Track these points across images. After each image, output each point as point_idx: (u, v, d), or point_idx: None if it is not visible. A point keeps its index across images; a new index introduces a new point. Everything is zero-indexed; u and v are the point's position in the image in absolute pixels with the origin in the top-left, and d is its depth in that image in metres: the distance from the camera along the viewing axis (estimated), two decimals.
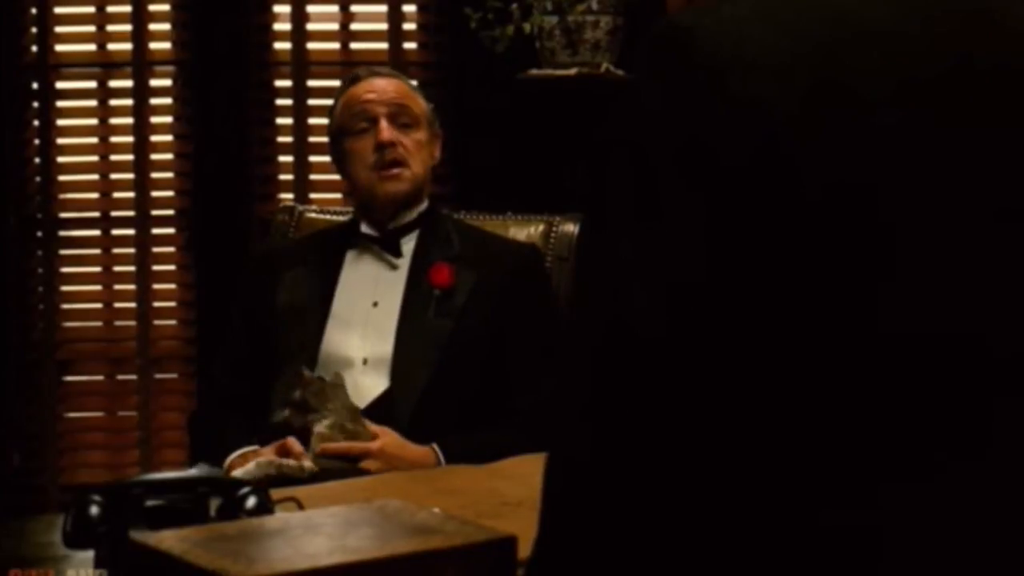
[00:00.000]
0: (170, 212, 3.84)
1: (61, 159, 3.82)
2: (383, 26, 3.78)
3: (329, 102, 3.69)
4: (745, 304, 0.90)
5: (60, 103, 3.81)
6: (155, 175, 3.83)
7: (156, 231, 3.83)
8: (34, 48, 3.78)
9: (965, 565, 0.93)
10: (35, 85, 3.79)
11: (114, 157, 3.83)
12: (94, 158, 3.84)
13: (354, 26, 3.80)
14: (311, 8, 3.78)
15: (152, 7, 3.77)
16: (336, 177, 3.79)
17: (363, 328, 2.52)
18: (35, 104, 3.79)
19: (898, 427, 0.92)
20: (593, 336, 0.93)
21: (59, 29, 3.80)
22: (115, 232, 3.84)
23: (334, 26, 3.80)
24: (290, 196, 3.74)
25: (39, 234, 3.81)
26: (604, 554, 0.92)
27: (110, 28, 3.81)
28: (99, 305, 3.87)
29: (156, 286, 3.84)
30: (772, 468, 0.92)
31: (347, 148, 2.59)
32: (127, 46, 3.79)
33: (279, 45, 3.79)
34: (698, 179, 0.90)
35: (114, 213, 3.84)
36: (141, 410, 3.83)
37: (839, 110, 0.92)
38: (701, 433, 0.91)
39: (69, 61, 3.82)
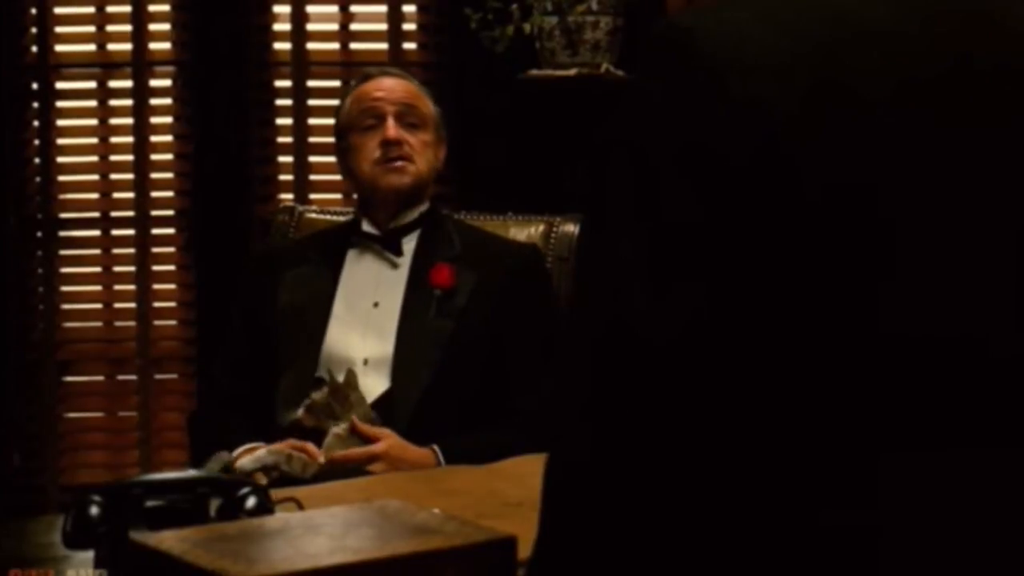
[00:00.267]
0: (170, 212, 3.84)
1: (61, 159, 3.82)
2: (383, 26, 3.78)
3: (329, 102, 3.73)
4: (745, 304, 0.90)
5: (60, 103, 3.81)
6: (155, 175, 3.83)
7: (156, 231, 3.83)
8: (34, 48, 3.78)
9: (964, 563, 0.93)
10: (35, 85, 3.78)
11: (114, 157, 3.83)
12: (94, 158, 3.84)
13: (354, 26, 3.80)
14: (311, 8, 3.78)
15: (152, 7, 3.77)
16: (336, 177, 3.81)
17: (364, 328, 2.52)
18: (35, 104, 3.79)
19: (897, 426, 0.92)
20: (593, 336, 0.94)
21: (59, 29, 3.80)
22: (115, 232, 3.84)
23: (334, 26, 3.80)
24: (290, 196, 3.74)
25: (39, 234, 3.81)
26: (604, 554, 0.92)
27: (110, 28, 3.81)
28: (99, 305, 3.87)
29: (156, 286, 3.84)
30: (772, 467, 0.92)
31: (352, 143, 2.60)
32: (127, 46, 3.79)
33: (279, 45, 3.79)
34: (698, 179, 0.91)
35: (114, 213, 3.84)
36: (141, 410, 3.83)
37: (839, 110, 0.92)
38: (701, 433, 0.91)
39: (69, 61, 3.82)
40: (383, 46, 3.78)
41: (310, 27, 3.79)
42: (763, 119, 0.90)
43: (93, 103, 3.83)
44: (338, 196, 3.80)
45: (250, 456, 2.24)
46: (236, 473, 2.15)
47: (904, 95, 0.94)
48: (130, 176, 3.81)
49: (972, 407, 0.94)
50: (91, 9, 3.79)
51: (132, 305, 3.83)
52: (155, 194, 3.83)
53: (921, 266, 0.92)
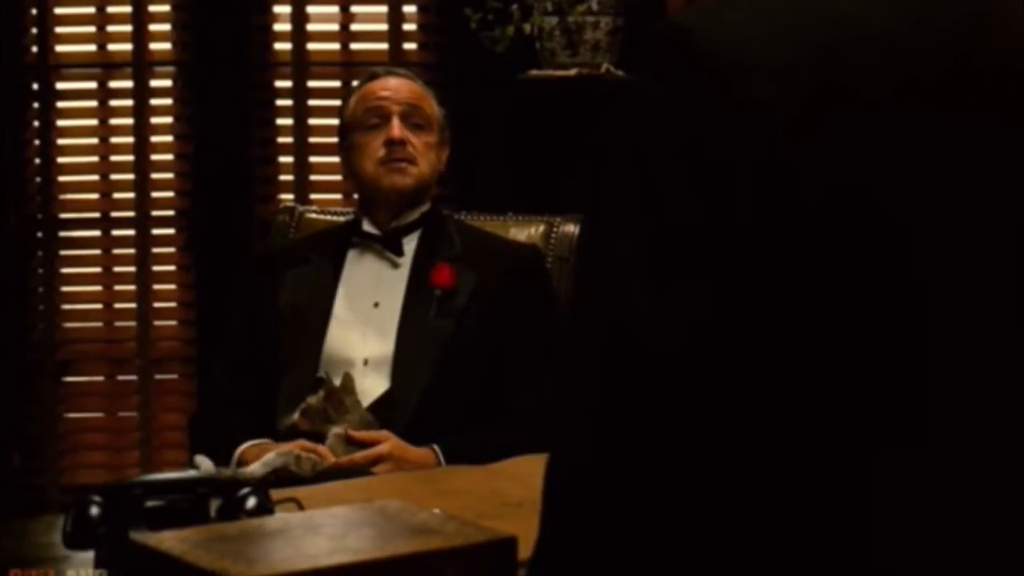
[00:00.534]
0: (170, 213, 3.84)
1: (61, 159, 3.82)
2: (383, 27, 3.78)
3: (330, 102, 3.73)
4: (745, 304, 0.90)
5: (60, 103, 3.81)
6: (155, 176, 3.83)
7: (156, 231, 3.83)
8: (34, 48, 3.78)
9: (963, 562, 0.93)
10: (35, 85, 3.78)
11: (114, 157, 3.83)
12: (94, 158, 3.84)
13: (354, 27, 3.80)
14: (311, 9, 3.78)
15: (152, 8, 3.77)
16: (337, 178, 3.81)
17: (364, 328, 2.52)
18: (35, 104, 3.79)
19: (896, 427, 0.92)
20: (593, 336, 0.94)
21: (59, 29, 3.80)
22: (115, 233, 3.84)
23: (334, 27, 3.80)
24: (290, 197, 3.74)
25: (39, 234, 3.81)
26: (605, 555, 0.92)
27: (110, 28, 3.81)
28: (99, 306, 3.87)
29: (156, 286, 3.84)
30: (772, 467, 0.92)
31: (356, 141, 2.60)
32: (127, 46, 3.79)
33: (279, 46, 3.79)
34: (698, 179, 0.91)
35: (114, 213, 3.84)
36: (141, 411, 3.83)
37: (839, 111, 0.92)
38: (702, 433, 0.91)
39: (69, 61, 3.82)
40: (383, 46, 3.78)
41: (310, 27, 3.79)
42: (763, 119, 0.90)
43: (93, 103, 3.83)
44: (338, 196, 3.80)
45: (259, 461, 2.24)
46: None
47: (904, 95, 0.94)
48: (130, 176, 3.81)
49: (971, 407, 0.94)
50: (91, 9, 3.79)
51: (132, 305, 3.83)
52: (155, 194, 3.83)
53: (921, 266, 0.92)
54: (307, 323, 2.53)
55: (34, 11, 3.76)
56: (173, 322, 3.86)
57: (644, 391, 0.91)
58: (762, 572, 0.92)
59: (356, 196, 2.83)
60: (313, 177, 3.80)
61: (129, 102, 3.79)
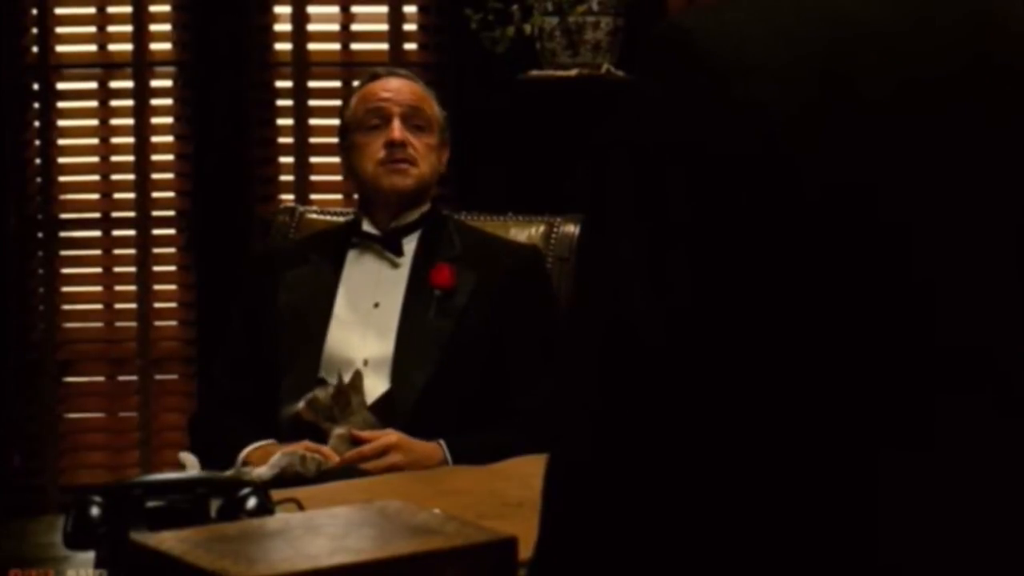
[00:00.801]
0: (170, 213, 3.84)
1: (62, 160, 3.82)
2: (383, 27, 3.78)
3: (330, 103, 3.73)
4: (745, 304, 0.90)
5: (61, 104, 3.81)
6: (155, 176, 3.83)
7: (156, 232, 3.83)
8: (35, 49, 3.78)
9: (962, 561, 0.93)
10: (36, 86, 3.78)
11: (114, 158, 3.83)
12: (95, 159, 3.84)
13: (354, 27, 3.80)
14: (311, 9, 3.78)
15: (152, 8, 3.77)
16: (337, 178, 3.81)
17: (364, 329, 2.52)
18: (36, 105, 3.79)
19: (896, 427, 0.92)
20: (593, 337, 0.94)
21: (59, 30, 3.80)
22: (115, 233, 3.84)
23: (334, 27, 3.80)
24: (290, 197, 3.74)
25: (40, 235, 3.81)
26: (605, 554, 0.92)
27: (110, 29, 3.81)
28: (99, 306, 3.87)
29: (156, 287, 3.84)
30: (772, 467, 0.92)
31: (357, 142, 2.60)
32: (127, 47, 3.79)
33: (279, 46, 3.79)
34: (698, 180, 0.91)
35: (114, 214, 3.84)
36: (141, 411, 3.83)
37: (839, 111, 0.92)
38: (701, 432, 0.91)
39: (70, 62, 3.82)
40: (383, 46, 3.78)
41: (311, 27, 3.79)
42: (763, 120, 0.90)
43: (94, 103, 3.83)
44: (338, 196, 3.80)
45: (266, 464, 2.24)
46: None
47: (904, 95, 0.94)
48: (131, 176, 3.81)
49: (971, 407, 0.94)
50: (91, 9, 3.79)
51: (132, 305, 3.83)
52: (155, 194, 3.83)
53: (921, 266, 0.92)
54: (307, 323, 2.53)
55: (34, 11, 3.76)
56: (173, 322, 3.86)
57: (644, 391, 0.91)
58: (762, 571, 0.92)
59: (356, 196, 2.83)
60: (313, 177, 3.80)
61: (129, 102, 3.79)
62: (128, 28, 3.78)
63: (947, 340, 0.93)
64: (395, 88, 2.62)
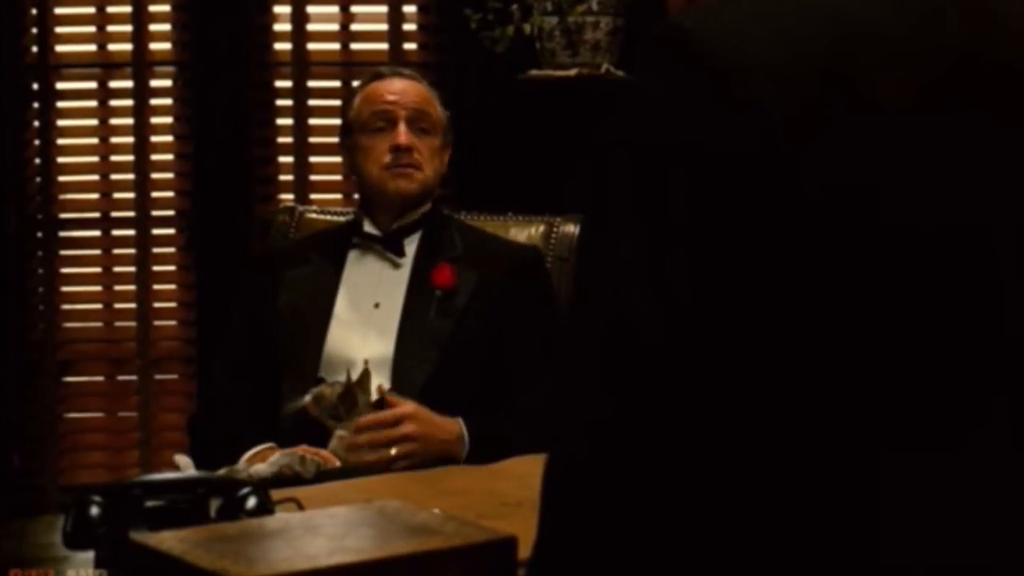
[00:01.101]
0: (170, 213, 3.84)
1: (61, 159, 3.82)
2: (383, 27, 3.78)
3: (330, 102, 3.74)
4: (745, 304, 0.90)
5: (60, 103, 3.81)
6: (155, 176, 3.83)
7: (156, 232, 3.83)
8: (34, 48, 3.78)
9: (963, 562, 0.93)
10: (35, 85, 3.79)
11: (114, 157, 3.83)
12: (94, 158, 3.84)
13: (354, 27, 3.80)
14: (311, 8, 3.78)
15: (152, 7, 3.77)
16: (337, 177, 3.82)
17: (364, 329, 2.52)
18: (35, 104, 3.79)
19: (896, 427, 0.92)
20: (593, 337, 0.94)
21: (59, 29, 3.80)
22: (115, 233, 3.84)
23: (334, 27, 3.80)
24: (290, 197, 3.74)
25: (39, 234, 3.81)
26: (604, 554, 0.92)
27: (110, 28, 3.81)
28: (99, 306, 3.87)
29: (156, 287, 3.84)
30: (772, 467, 0.92)
31: (362, 144, 2.60)
32: (127, 46, 3.79)
33: (279, 45, 3.79)
34: (698, 180, 0.91)
35: (114, 214, 3.84)
36: (141, 411, 3.83)
37: (839, 111, 0.92)
38: (701, 433, 0.91)
39: (69, 61, 3.82)
40: (383, 46, 3.78)
41: (310, 27, 3.79)
42: (763, 120, 0.90)
43: (93, 103, 3.83)
44: (338, 196, 3.81)
45: (266, 462, 2.24)
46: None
47: (905, 95, 0.94)
48: (130, 176, 3.81)
49: (971, 407, 0.94)
50: (91, 9, 3.79)
51: (132, 305, 3.83)
52: (155, 194, 3.83)
53: (921, 265, 0.92)
54: (307, 323, 2.53)
55: (34, 11, 3.76)
56: (173, 322, 3.86)
57: (643, 391, 0.91)
58: (762, 572, 0.92)
59: (357, 196, 2.83)
60: (313, 177, 3.80)
61: (129, 102, 3.79)
62: (128, 28, 3.78)
63: (947, 340, 0.93)
64: (401, 90, 2.62)
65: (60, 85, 3.81)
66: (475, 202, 3.07)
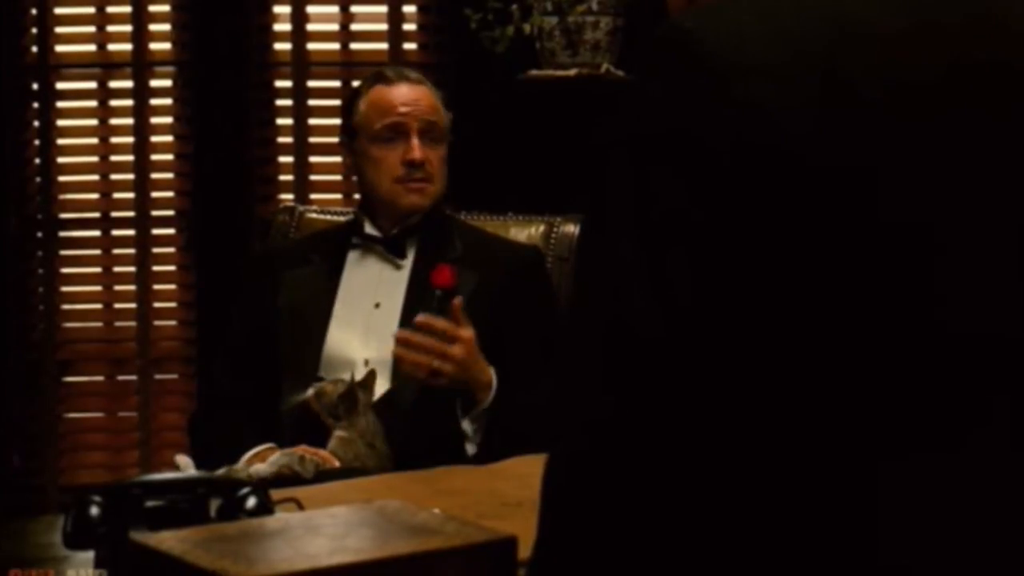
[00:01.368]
0: (170, 212, 3.84)
1: (61, 159, 3.82)
2: (383, 27, 3.78)
3: (329, 102, 3.73)
4: (745, 304, 0.90)
5: (60, 103, 3.81)
6: (155, 175, 3.83)
7: (156, 231, 3.83)
8: (34, 48, 3.78)
9: (963, 565, 0.93)
10: (35, 85, 3.78)
11: (114, 157, 3.83)
12: (94, 158, 3.84)
13: (354, 27, 3.80)
14: (311, 8, 3.78)
15: (152, 8, 3.77)
16: (337, 178, 3.81)
17: (365, 329, 2.52)
18: (35, 104, 3.79)
19: (897, 427, 0.92)
20: (593, 336, 0.94)
21: (59, 29, 3.80)
22: (115, 232, 3.84)
23: (334, 27, 3.80)
24: (290, 197, 3.74)
25: (39, 234, 3.81)
26: (604, 554, 0.92)
27: (110, 28, 3.81)
28: (99, 305, 3.87)
29: (156, 286, 3.84)
30: (771, 467, 0.92)
31: (371, 154, 2.57)
32: (127, 47, 3.79)
33: (279, 45, 3.79)
34: (698, 180, 0.91)
35: (114, 214, 3.84)
36: (141, 411, 3.83)
37: (839, 111, 0.92)
38: (701, 432, 0.91)
39: (69, 61, 3.82)
40: (383, 46, 3.78)
41: (310, 27, 3.79)
42: (763, 120, 0.90)
43: (93, 103, 3.83)
44: (338, 196, 3.80)
45: (265, 462, 2.24)
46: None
47: (905, 95, 0.94)
48: (130, 176, 3.81)
49: (971, 407, 0.94)
50: (91, 9, 3.79)
51: (132, 305, 3.83)
52: (155, 194, 3.83)
53: (922, 265, 0.92)
54: (307, 324, 2.53)
55: (34, 11, 3.76)
56: (173, 322, 3.86)
57: (643, 391, 0.91)
58: (761, 571, 0.92)
59: (357, 196, 2.82)
60: (313, 177, 3.80)
61: (129, 102, 3.79)
62: (128, 28, 3.78)
63: (946, 340, 0.93)
64: (412, 99, 2.59)
65: (60, 85, 3.81)
66: (475, 202, 3.07)
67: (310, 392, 2.40)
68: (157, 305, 3.85)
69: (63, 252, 3.83)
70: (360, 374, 2.44)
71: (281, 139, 3.80)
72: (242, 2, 3.74)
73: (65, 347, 3.83)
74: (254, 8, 3.75)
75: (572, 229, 2.80)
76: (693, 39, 0.93)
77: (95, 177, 3.85)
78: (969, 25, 0.98)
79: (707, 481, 0.91)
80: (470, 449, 2.37)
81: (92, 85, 3.82)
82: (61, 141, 3.82)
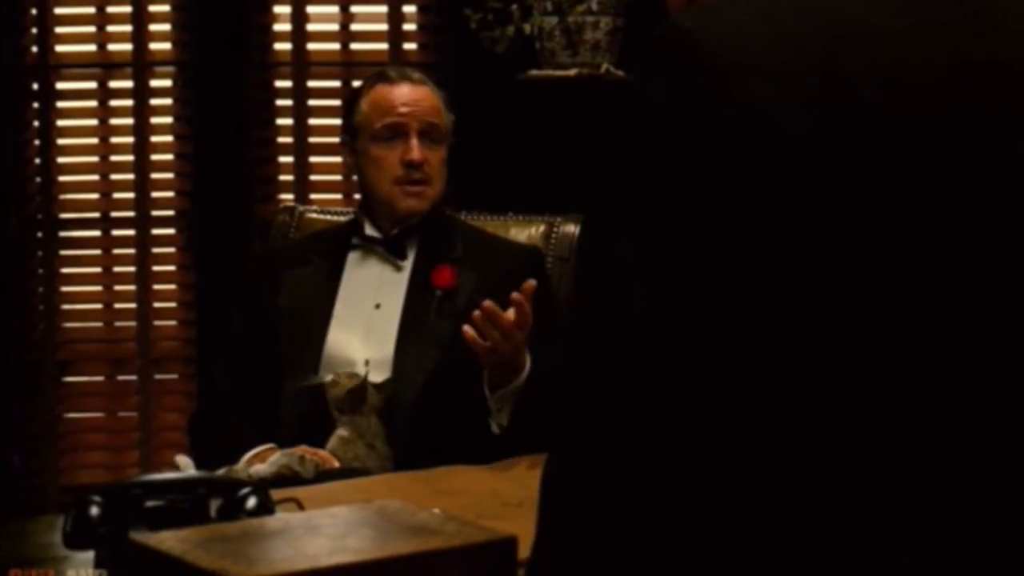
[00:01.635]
0: (170, 212, 3.84)
1: (61, 159, 3.82)
2: (383, 27, 3.78)
3: (330, 102, 3.74)
4: (744, 302, 0.90)
5: (60, 103, 3.81)
6: (155, 175, 3.83)
7: (156, 231, 3.84)
8: (34, 48, 3.78)
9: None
10: (35, 86, 3.79)
11: (114, 157, 3.84)
12: (94, 158, 3.84)
13: (354, 27, 3.80)
14: (311, 8, 3.78)
15: (152, 7, 3.77)
16: (337, 178, 3.81)
17: (365, 330, 2.52)
18: (35, 104, 3.79)
19: (899, 422, 0.92)
20: (593, 337, 0.94)
21: (59, 29, 3.80)
22: (115, 233, 3.84)
23: (334, 27, 3.80)
24: (290, 197, 3.74)
25: (39, 234, 3.81)
26: (603, 554, 0.92)
27: (110, 28, 3.81)
28: (99, 305, 3.87)
29: (156, 286, 3.84)
30: (771, 468, 0.92)
31: (371, 153, 2.58)
32: (127, 46, 3.79)
33: (279, 45, 3.80)
34: (698, 180, 0.91)
35: (114, 214, 3.84)
36: (141, 411, 3.84)
37: (839, 111, 0.92)
38: (702, 433, 0.91)
39: (69, 61, 3.82)
40: (383, 46, 3.78)
41: (310, 27, 3.79)
42: (763, 120, 0.90)
43: (93, 103, 3.83)
44: (338, 196, 3.81)
45: (266, 462, 2.24)
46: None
47: (905, 95, 0.94)
48: (130, 176, 3.82)
49: (971, 408, 0.94)
50: (91, 9, 3.79)
51: (132, 305, 3.83)
52: (155, 194, 3.83)
53: (922, 265, 0.92)
54: (308, 324, 2.53)
55: (34, 11, 3.77)
56: (173, 322, 3.87)
57: (643, 391, 0.91)
58: (761, 571, 0.92)
59: (357, 196, 2.82)
60: (313, 177, 3.80)
61: (129, 102, 3.80)
62: (128, 28, 3.78)
63: (945, 340, 0.93)
64: (413, 100, 2.59)
65: (60, 85, 3.81)
66: (475, 202, 3.07)
67: (329, 377, 2.40)
68: (157, 305, 3.85)
69: (63, 252, 3.83)
70: (359, 373, 2.44)
71: (281, 139, 3.80)
72: (242, 2, 3.74)
73: (65, 347, 3.83)
74: (254, 8, 3.75)
75: (572, 229, 2.80)
76: (693, 39, 0.93)
77: (95, 177, 3.85)
78: (969, 25, 0.98)
79: (707, 482, 0.91)
80: (494, 427, 2.36)
81: (92, 85, 3.82)
82: (61, 141, 3.82)
